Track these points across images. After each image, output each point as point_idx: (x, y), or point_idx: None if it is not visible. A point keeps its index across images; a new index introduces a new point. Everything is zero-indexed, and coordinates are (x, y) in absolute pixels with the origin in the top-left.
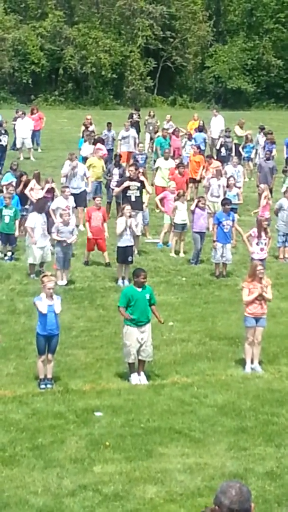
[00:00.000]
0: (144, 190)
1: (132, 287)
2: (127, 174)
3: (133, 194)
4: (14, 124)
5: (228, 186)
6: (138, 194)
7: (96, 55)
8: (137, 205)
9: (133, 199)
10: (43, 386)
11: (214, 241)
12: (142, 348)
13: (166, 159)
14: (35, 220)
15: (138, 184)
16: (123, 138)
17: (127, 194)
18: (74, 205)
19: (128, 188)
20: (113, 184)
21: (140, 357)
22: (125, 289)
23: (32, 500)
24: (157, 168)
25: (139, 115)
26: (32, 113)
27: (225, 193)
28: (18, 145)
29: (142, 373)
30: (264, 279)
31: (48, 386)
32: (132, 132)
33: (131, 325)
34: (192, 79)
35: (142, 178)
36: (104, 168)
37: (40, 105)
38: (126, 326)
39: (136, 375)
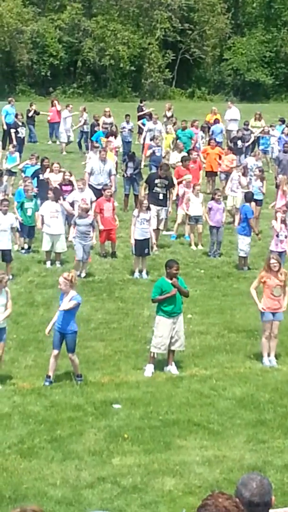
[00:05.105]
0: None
1: (164, 278)
2: (142, 165)
3: (161, 191)
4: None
5: (256, 176)
6: (165, 192)
7: (115, 47)
8: (163, 202)
9: (160, 197)
10: (47, 383)
11: (241, 234)
12: (175, 339)
13: (180, 152)
14: (45, 208)
15: (166, 182)
16: (149, 130)
17: (154, 191)
18: (94, 198)
19: (156, 185)
20: (127, 173)
21: (172, 347)
22: (157, 281)
23: (51, 492)
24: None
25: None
26: (52, 105)
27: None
28: (64, 139)
29: (173, 363)
30: (282, 273)
31: (78, 381)
32: (159, 126)
33: (164, 316)
34: (210, 71)
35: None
36: (114, 158)
37: (59, 97)
38: (158, 317)
39: (151, 367)
